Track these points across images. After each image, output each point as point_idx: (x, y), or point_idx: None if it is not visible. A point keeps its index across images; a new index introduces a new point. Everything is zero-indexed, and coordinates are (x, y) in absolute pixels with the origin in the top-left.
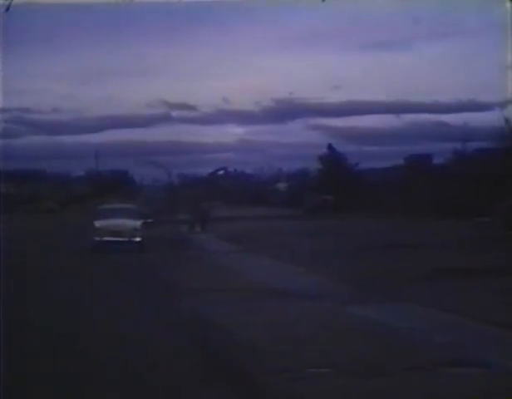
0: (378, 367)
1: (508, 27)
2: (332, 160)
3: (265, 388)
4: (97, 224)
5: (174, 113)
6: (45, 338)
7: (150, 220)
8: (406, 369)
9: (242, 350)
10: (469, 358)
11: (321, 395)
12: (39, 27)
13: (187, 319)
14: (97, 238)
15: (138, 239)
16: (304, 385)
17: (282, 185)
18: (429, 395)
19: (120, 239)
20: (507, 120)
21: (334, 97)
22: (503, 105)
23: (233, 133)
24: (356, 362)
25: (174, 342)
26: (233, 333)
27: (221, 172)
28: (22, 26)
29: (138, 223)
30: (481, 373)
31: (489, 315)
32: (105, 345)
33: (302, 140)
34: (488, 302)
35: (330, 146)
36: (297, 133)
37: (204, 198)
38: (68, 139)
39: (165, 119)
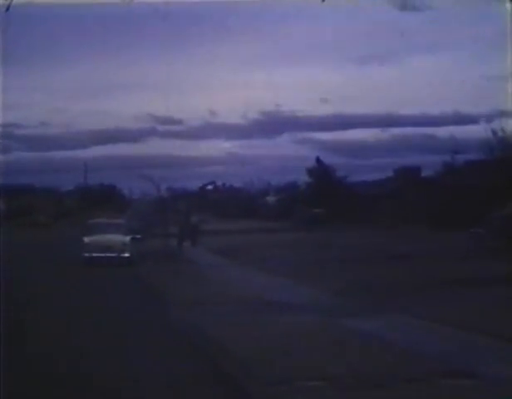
0: (371, 380)
1: (508, 29)
2: (321, 172)
3: None
4: (86, 239)
5: (161, 127)
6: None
7: (138, 236)
8: (399, 381)
9: (234, 362)
10: (463, 369)
11: None
12: (25, 42)
13: (177, 332)
14: (86, 254)
15: (127, 255)
16: (298, 397)
17: (271, 199)
18: None
19: (109, 255)
20: (494, 133)
21: (322, 110)
22: (489, 117)
23: (220, 147)
24: (349, 375)
25: (164, 352)
26: (224, 345)
27: (210, 186)
28: (7, 42)
29: (127, 238)
30: (476, 384)
31: (483, 326)
32: (93, 356)
33: (290, 153)
34: (482, 312)
35: (318, 159)
36: (285, 146)
37: (194, 212)
38: (57, 154)
39: (152, 133)
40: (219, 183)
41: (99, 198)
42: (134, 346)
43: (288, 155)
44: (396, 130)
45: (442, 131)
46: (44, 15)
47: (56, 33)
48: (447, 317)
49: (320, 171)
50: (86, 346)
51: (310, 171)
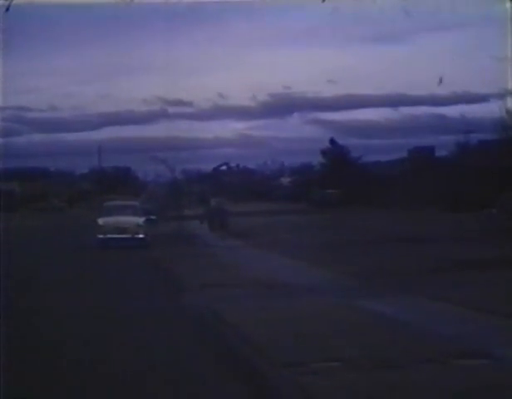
0: (387, 361)
1: (508, 27)
2: (335, 153)
3: (274, 382)
4: (101, 221)
5: (171, 109)
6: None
7: (153, 217)
8: (413, 362)
9: (248, 344)
10: (477, 350)
11: (330, 388)
12: (36, 26)
13: (195, 314)
14: (101, 236)
15: (141, 236)
16: (314, 378)
17: (285, 180)
18: (438, 387)
19: (124, 236)
20: (508, 112)
21: (331, 91)
22: (501, 96)
23: (232, 128)
24: (365, 356)
25: (181, 337)
26: (241, 328)
27: (224, 167)
28: (20, 25)
29: (141, 220)
30: (490, 365)
31: (496, 307)
32: (110, 340)
33: (301, 134)
34: (496, 294)
35: (332, 140)
36: (295, 127)
37: (215, 194)
38: (68, 136)
39: (162, 115)
40: (233, 164)
41: (113, 181)
42: (145, 329)
43: (299, 137)
44: (407, 110)
45: (452, 111)
46: (56, 3)
47: (64, 20)
48: (460, 298)
49: (334, 152)
50: (96, 330)
51: (324, 152)
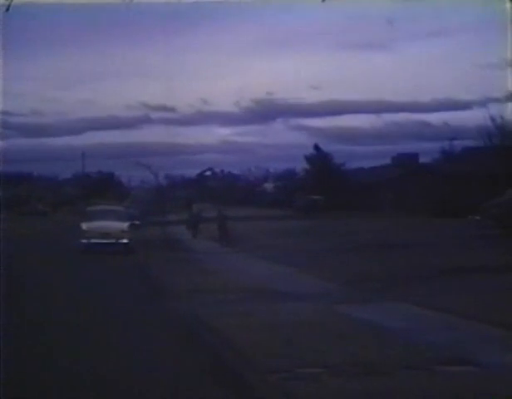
0: (372, 367)
1: (508, 27)
2: (319, 160)
3: (259, 388)
4: (84, 226)
5: (154, 115)
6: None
7: (137, 222)
8: (400, 368)
9: (233, 350)
10: (462, 357)
11: (315, 394)
12: (17, 29)
13: (177, 320)
14: (84, 241)
15: (125, 241)
16: (299, 384)
17: (269, 186)
18: (423, 393)
19: (108, 241)
20: (492, 119)
21: (315, 97)
22: (484, 103)
23: (215, 134)
24: (350, 362)
25: (163, 343)
26: (224, 334)
27: (208, 173)
28: (2, 30)
29: (125, 224)
30: (476, 372)
31: (482, 314)
32: (93, 345)
33: (285, 140)
34: (481, 300)
35: (316, 146)
36: (279, 133)
37: (199, 200)
38: (51, 141)
39: (145, 121)
40: (217, 170)
41: (97, 186)
42: (126, 334)
43: (283, 143)
44: (391, 116)
45: (435, 118)
46: (40, 5)
47: (45, 24)
48: (445, 304)
49: (318, 158)
50: (77, 335)
51: (308, 159)
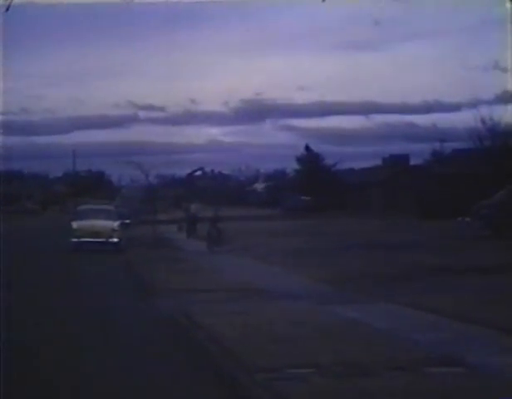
0: (360, 367)
1: (508, 28)
2: (310, 160)
3: (248, 388)
4: (75, 224)
5: (143, 114)
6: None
7: (127, 221)
8: (387, 369)
9: (221, 349)
10: (450, 358)
11: (304, 394)
12: (7, 28)
13: (166, 318)
14: (75, 239)
15: (115, 240)
16: (287, 384)
17: (259, 186)
18: (411, 394)
19: (98, 240)
20: (483, 121)
21: (303, 98)
22: (474, 105)
23: (204, 134)
24: (339, 362)
25: (152, 341)
26: (214, 333)
27: (198, 172)
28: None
29: (115, 223)
30: (463, 372)
31: (470, 314)
32: (81, 342)
33: (274, 140)
34: (469, 301)
35: (307, 147)
36: (268, 134)
37: (189, 199)
38: (41, 139)
39: (134, 120)
40: (208, 169)
41: (87, 185)
42: (114, 333)
43: (274, 143)
44: (381, 118)
45: (424, 119)
46: (34, 4)
47: (35, 23)
48: (433, 305)
49: (308, 159)
50: (66, 331)
51: (298, 159)
